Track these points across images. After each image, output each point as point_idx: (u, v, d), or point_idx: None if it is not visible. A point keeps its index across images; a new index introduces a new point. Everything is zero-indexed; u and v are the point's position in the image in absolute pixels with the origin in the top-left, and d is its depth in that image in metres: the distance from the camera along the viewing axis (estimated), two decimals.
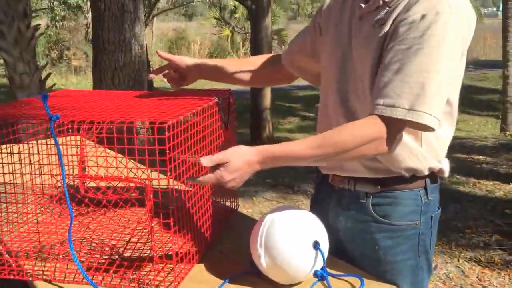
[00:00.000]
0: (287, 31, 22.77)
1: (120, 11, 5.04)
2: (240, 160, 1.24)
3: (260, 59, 1.79)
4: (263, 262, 1.31)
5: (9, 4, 5.48)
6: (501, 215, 4.33)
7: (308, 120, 11.25)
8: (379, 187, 1.43)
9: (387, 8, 1.33)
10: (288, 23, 30.12)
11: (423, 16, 1.24)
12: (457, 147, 6.94)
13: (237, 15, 22.57)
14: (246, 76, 1.76)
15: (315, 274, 1.33)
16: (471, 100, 14.57)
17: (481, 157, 6.45)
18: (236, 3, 20.30)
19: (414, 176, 1.42)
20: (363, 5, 1.41)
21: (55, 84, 6.46)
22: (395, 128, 1.25)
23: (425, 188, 1.44)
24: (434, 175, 1.46)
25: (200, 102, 1.47)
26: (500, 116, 9.55)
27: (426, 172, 1.42)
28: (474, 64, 22.83)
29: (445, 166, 1.48)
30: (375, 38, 1.33)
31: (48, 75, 5.99)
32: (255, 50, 8.96)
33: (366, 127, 1.25)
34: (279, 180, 5.72)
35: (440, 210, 1.52)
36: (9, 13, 5.49)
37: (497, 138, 8.21)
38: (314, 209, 1.58)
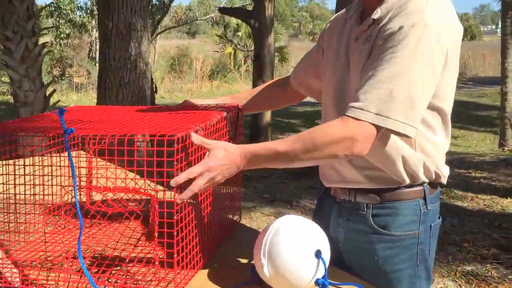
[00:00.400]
0: (288, 48, 22.97)
1: (127, 30, 5.17)
2: (224, 150, 1.33)
3: (269, 85, 1.90)
4: (266, 271, 1.34)
5: (18, 22, 5.60)
6: (498, 228, 4.38)
7: None
8: (378, 198, 1.48)
9: (376, 25, 1.40)
10: (289, 41, 30.39)
11: (400, 28, 1.30)
12: (455, 162, 7.00)
13: (239, 33, 22.77)
14: (260, 104, 1.88)
15: (317, 282, 1.35)
16: (470, 116, 14.62)
17: (479, 172, 6.51)
18: (239, 21, 20.48)
19: (412, 185, 1.47)
20: (357, 26, 1.49)
21: (59, 101, 6.55)
22: (366, 131, 1.29)
23: (424, 198, 1.48)
24: (432, 183, 1.51)
25: (209, 116, 1.53)
26: (499, 132, 9.65)
27: (424, 177, 1.47)
28: (473, 81, 22.91)
29: (444, 171, 1.52)
30: (366, 54, 1.40)
31: (53, 92, 6.08)
32: (258, 67, 9.09)
33: (337, 127, 1.31)
34: (277, 196, 5.78)
35: (440, 219, 1.56)
36: (18, 32, 5.61)
37: (495, 154, 8.27)
38: (315, 220, 1.59)
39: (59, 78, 19.65)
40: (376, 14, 1.40)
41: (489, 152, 8.68)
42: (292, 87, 1.82)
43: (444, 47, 1.34)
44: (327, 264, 1.35)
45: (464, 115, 14.67)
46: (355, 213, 1.52)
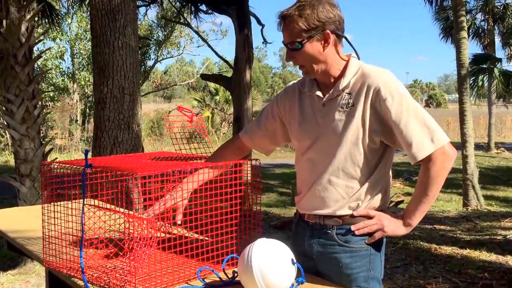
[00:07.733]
0: None
1: (121, 94, 5.66)
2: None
3: (228, 150, 2.37)
4: None
5: (20, 87, 6.12)
6: (458, 274, 4.88)
7: (284, 195, 11.82)
8: (340, 221, 2.00)
9: (347, 93, 1.94)
10: (264, 105, 31.35)
11: (392, 96, 1.86)
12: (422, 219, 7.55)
13: (217, 97, 23.57)
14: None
15: (297, 281, 1.83)
16: None
17: (442, 226, 7.07)
18: (217, 86, 21.30)
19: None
20: (321, 95, 2.00)
21: (56, 158, 6.99)
22: (438, 154, 1.86)
23: None
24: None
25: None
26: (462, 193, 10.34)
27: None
28: None
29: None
30: (349, 116, 1.91)
31: (50, 150, 6.54)
32: (238, 129, 9.71)
33: (433, 166, 1.87)
34: None
35: (385, 239, 2.08)
36: (19, 95, 6.11)
37: (457, 212, 8.89)
38: (293, 240, 2.13)
39: (41, 140, 19.91)
40: (341, 85, 1.94)
41: (452, 210, 9.30)
42: (244, 145, 2.30)
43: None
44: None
45: None
46: (323, 232, 2.03)
